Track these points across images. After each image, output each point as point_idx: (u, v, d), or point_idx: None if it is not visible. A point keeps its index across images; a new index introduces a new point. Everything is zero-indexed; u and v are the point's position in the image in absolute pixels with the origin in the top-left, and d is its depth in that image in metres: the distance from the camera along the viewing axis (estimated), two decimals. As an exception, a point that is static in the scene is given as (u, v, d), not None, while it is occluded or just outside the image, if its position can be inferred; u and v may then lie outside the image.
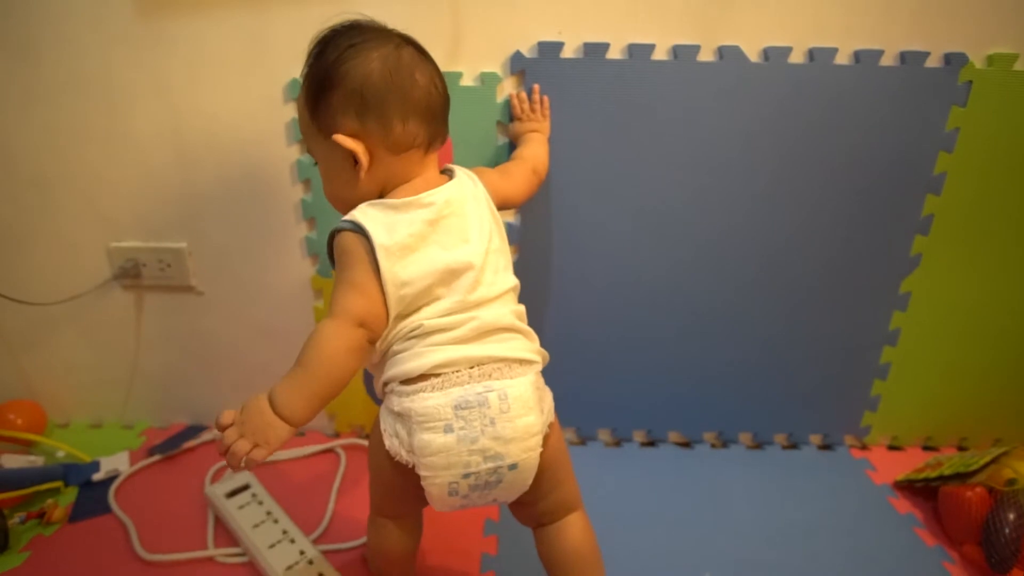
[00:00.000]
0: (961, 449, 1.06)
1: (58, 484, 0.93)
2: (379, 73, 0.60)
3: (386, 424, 0.62)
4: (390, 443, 0.61)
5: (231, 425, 0.56)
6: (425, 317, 0.61)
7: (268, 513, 0.87)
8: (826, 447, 1.06)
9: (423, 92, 0.62)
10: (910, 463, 1.00)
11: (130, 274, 0.96)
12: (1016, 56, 0.81)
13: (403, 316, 0.62)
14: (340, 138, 0.61)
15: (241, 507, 0.88)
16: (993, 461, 0.87)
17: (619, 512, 0.90)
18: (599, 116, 0.84)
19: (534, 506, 0.66)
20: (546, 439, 0.62)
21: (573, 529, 0.67)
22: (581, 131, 0.84)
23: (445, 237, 0.62)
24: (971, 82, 0.82)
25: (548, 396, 0.65)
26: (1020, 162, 0.86)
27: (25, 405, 1.05)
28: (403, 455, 0.60)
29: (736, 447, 1.05)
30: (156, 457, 1.00)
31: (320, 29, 0.64)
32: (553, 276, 0.93)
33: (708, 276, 0.93)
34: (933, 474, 0.92)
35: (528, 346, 0.64)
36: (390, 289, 0.59)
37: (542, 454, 0.61)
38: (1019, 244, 0.91)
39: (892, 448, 1.07)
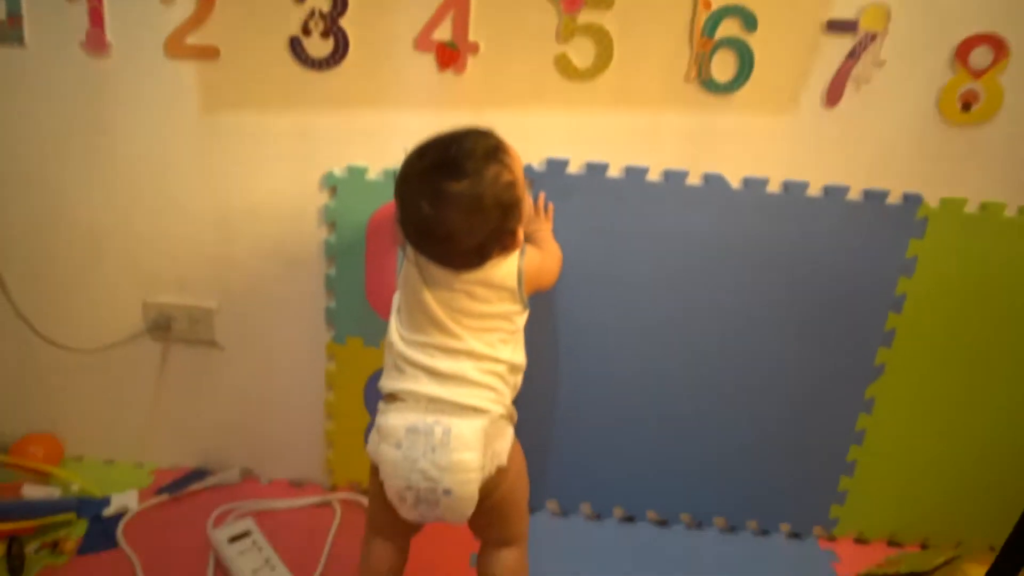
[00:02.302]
0: (924, 547, 1.11)
1: (71, 516, 0.99)
2: None
3: (374, 429, 0.74)
4: (370, 444, 0.74)
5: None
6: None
7: (266, 560, 0.93)
8: (795, 536, 1.12)
9: None
10: (874, 557, 1.05)
11: (161, 327, 1.05)
12: (965, 201, 0.92)
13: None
14: None
15: (242, 552, 0.94)
16: (947, 563, 0.92)
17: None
18: (599, 226, 0.94)
19: (480, 530, 0.80)
20: (498, 483, 0.73)
21: (510, 558, 0.79)
22: (582, 239, 0.95)
23: None
24: (927, 218, 0.92)
25: (504, 445, 0.74)
26: (972, 288, 0.95)
27: (44, 438, 1.11)
28: (373, 457, 0.74)
29: (710, 529, 1.11)
30: (164, 497, 1.06)
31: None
32: (549, 366, 1.02)
33: (691, 376, 1.02)
34: (891, 570, 0.97)
35: (487, 397, 0.73)
36: None
37: (493, 494, 0.73)
38: (973, 358, 1.00)
39: (859, 541, 1.12)
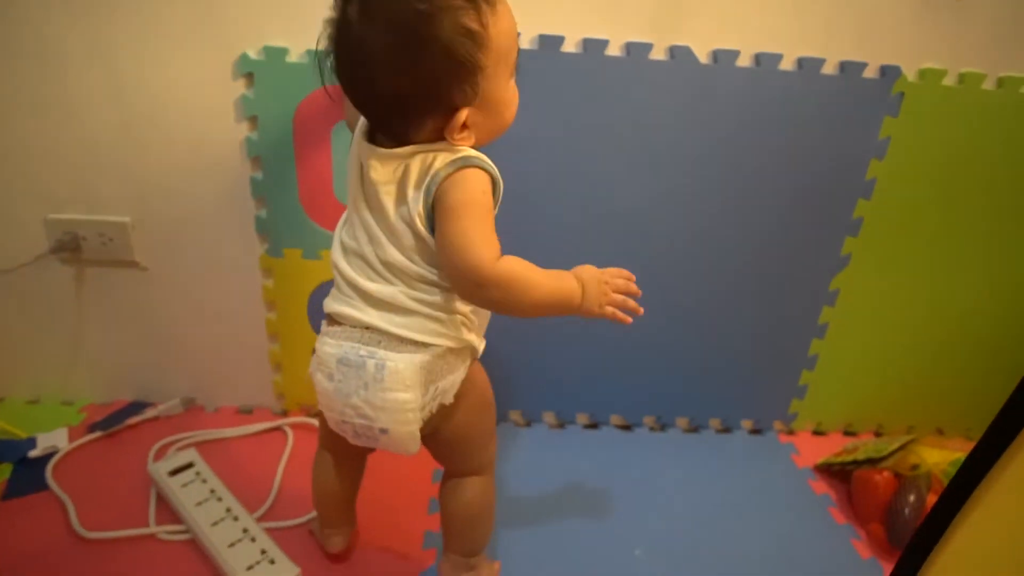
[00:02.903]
0: (878, 435, 1.15)
1: (-10, 460, 0.91)
2: None
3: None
4: (310, 366, 0.66)
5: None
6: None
7: (212, 491, 0.87)
8: (756, 432, 1.13)
9: None
10: (831, 448, 1.08)
11: (68, 247, 0.93)
12: (945, 72, 0.86)
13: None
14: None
15: (184, 485, 0.88)
16: (902, 448, 0.95)
17: (559, 490, 0.95)
18: (554, 106, 0.85)
19: (438, 459, 0.73)
20: (445, 420, 0.66)
21: (469, 491, 0.73)
22: (536, 120, 0.85)
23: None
24: (903, 94, 0.86)
25: (452, 381, 0.64)
26: (945, 172, 0.92)
27: (-45, 378, 1.02)
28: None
29: (673, 431, 1.11)
30: (97, 434, 0.98)
31: None
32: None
33: (649, 268, 0.96)
34: (849, 458, 0.99)
35: (429, 329, 0.61)
36: None
37: (441, 430, 0.67)
38: (941, 248, 0.98)
39: (816, 433, 1.14)
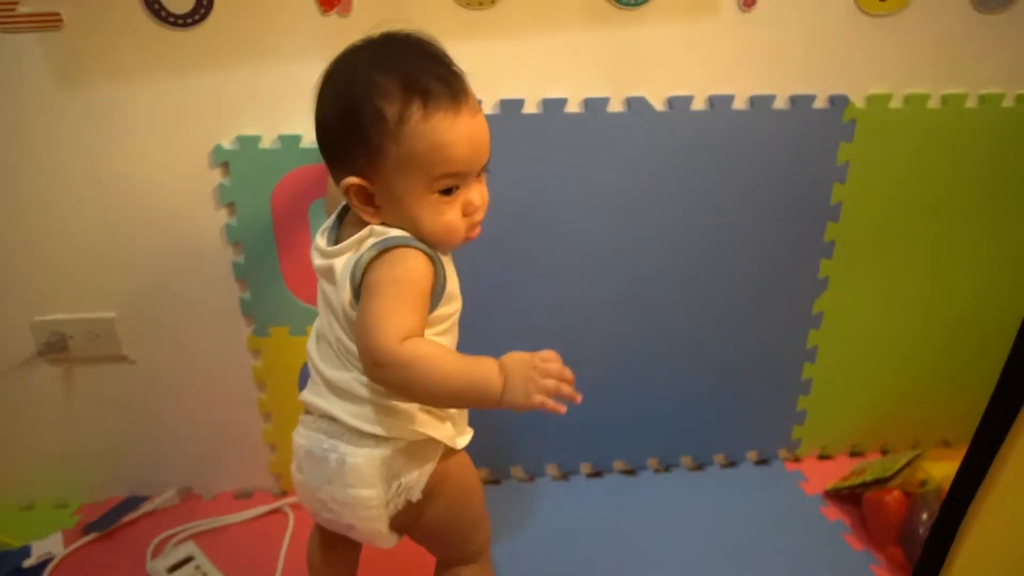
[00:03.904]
0: (884, 453, 1.13)
1: (-16, 575, 0.89)
2: None
3: None
4: None
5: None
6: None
7: (213, 585, 0.85)
8: (762, 462, 1.11)
9: None
10: (839, 471, 1.06)
11: (56, 348, 0.93)
12: (890, 95, 0.90)
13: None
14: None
15: (185, 581, 0.85)
16: (908, 464, 0.94)
17: (569, 544, 0.93)
18: (521, 168, 0.88)
19: (427, 549, 0.70)
20: (417, 516, 0.63)
21: None
22: (508, 186, 0.87)
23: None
24: (855, 120, 0.90)
25: (418, 477, 0.61)
26: (906, 187, 0.95)
27: (-56, 492, 1.00)
28: None
29: (678, 470, 1.09)
30: (92, 535, 0.96)
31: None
32: (487, 317, 0.96)
33: (634, 313, 0.98)
34: (857, 481, 0.98)
35: (384, 423, 0.58)
36: None
37: (415, 525, 0.64)
38: (914, 259, 1.00)
39: (822, 458, 1.13)
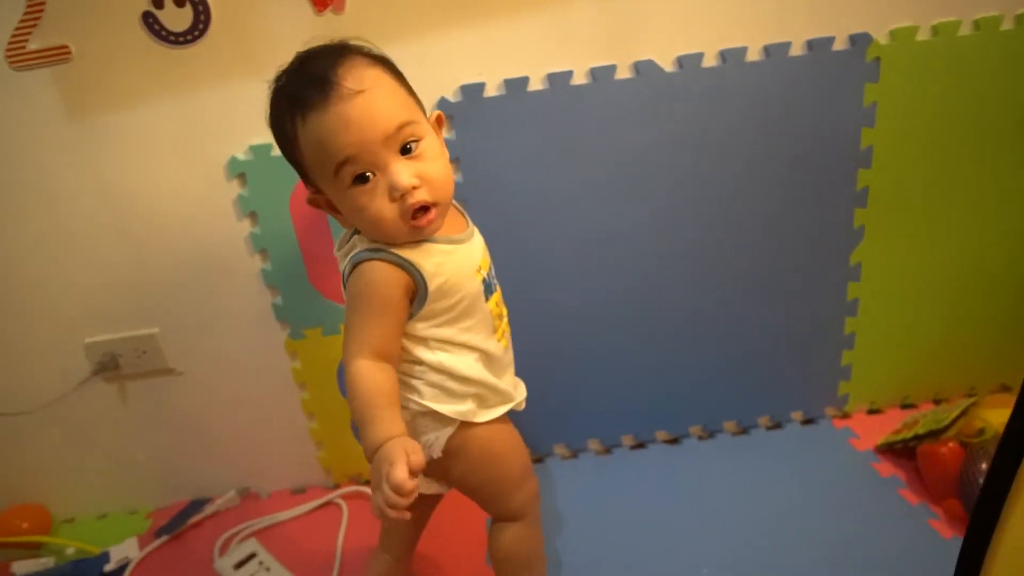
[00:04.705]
0: (937, 403, 1.09)
1: (70, 582, 0.95)
2: None
3: None
4: None
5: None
6: None
7: (276, 578, 0.89)
8: (809, 421, 1.09)
9: None
10: (890, 425, 1.03)
11: (109, 367, 0.98)
12: (916, 28, 0.84)
13: None
14: None
15: (250, 576, 0.90)
16: (963, 414, 0.90)
17: (615, 518, 0.93)
18: (529, 148, 0.86)
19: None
20: (445, 471, 0.70)
21: (505, 535, 0.73)
22: (515, 165, 0.87)
23: None
24: (879, 58, 0.85)
25: (436, 439, 0.66)
26: (939, 125, 0.89)
27: (29, 508, 1.06)
28: None
29: (722, 436, 1.08)
30: (163, 538, 1.02)
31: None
32: (520, 306, 0.95)
33: (668, 281, 0.96)
34: (909, 434, 0.95)
35: (402, 390, 0.65)
36: None
37: (447, 477, 0.71)
38: (954, 199, 0.94)
39: (872, 412, 1.09)
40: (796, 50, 0.84)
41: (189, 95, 0.82)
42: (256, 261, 0.92)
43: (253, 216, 0.89)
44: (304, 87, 0.57)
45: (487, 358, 0.68)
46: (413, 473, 0.52)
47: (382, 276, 0.60)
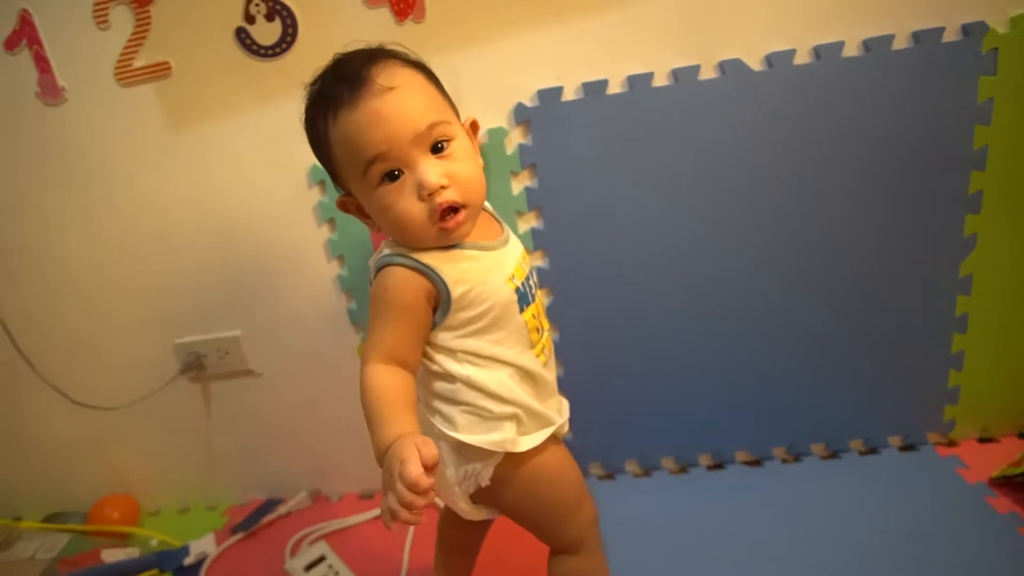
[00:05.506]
0: (1063, 431, 0.98)
1: (153, 573, 0.99)
2: None
3: None
4: None
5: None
6: None
7: (345, 582, 0.89)
8: (908, 447, 1.00)
9: None
10: (1005, 454, 0.93)
11: (195, 366, 1.02)
12: (1041, 15, 0.77)
13: None
14: None
15: (320, 578, 0.90)
16: (1098, 444, 0.80)
17: (692, 544, 0.88)
18: (608, 153, 0.84)
19: None
20: (494, 498, 0.66)
21: (561, 568, 0.69)
22: (594, 171, 0.85)
23: None
24: (996, 49, 0.77)
25: (482, 468, 0.63)
26: (1068, 121, 0.81)
27: (119, 499, 1.12)
28: None
29: (810, 459, 1.00)
30: (239, 535, 1.04)
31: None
32: (595, 315, 0.93)
33: (762, 291, 0.91)
34: (1031, 466, 0.85)
35: (427, 419, 0.64)
36: None
37: (496, 504, 0.67)
38: (1086, 205, 0.85)
39: (983, 440, 0.99)
40: (900, 43, 0.78)
41: (276, 105, 0.85)
42: (333, 266, 0.94)
43: (331, 223, 0.91)
44: (336, 85, 0.57)
45: (523, 375, 0.63)
46: (427, 468, 0.48)
47: (402, 281, 0.58)
